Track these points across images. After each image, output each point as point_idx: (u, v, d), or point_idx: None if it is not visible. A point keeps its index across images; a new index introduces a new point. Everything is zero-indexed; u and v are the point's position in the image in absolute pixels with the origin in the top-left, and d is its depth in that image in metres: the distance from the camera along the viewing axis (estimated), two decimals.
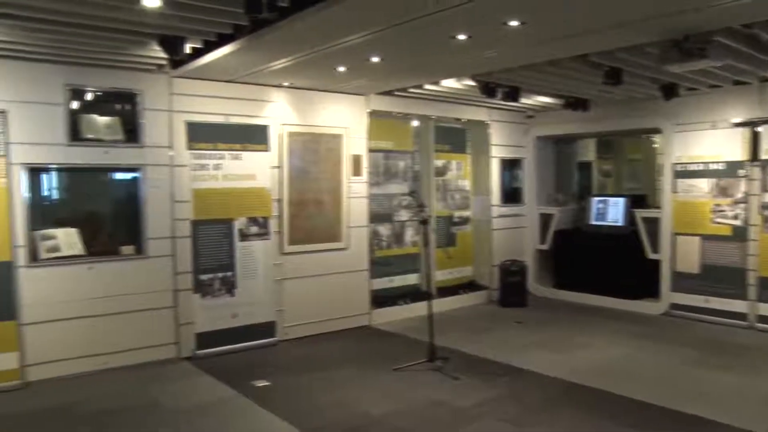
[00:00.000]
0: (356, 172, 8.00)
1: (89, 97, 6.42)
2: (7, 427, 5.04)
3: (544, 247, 10.08)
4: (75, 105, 6.26)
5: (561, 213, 10.03)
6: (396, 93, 8.00)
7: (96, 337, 6.27)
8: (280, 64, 6.07)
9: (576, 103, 8.75)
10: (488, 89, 7.39)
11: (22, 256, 5.94)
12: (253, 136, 7.07)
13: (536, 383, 5.90)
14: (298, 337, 7.44)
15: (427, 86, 7.62)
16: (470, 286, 9.84)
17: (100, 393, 5.74)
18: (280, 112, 7.35)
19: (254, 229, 7.08)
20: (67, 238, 6.22)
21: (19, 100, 5.91)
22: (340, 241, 7.88)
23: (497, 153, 9.84)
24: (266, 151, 7.17)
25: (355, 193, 8.01)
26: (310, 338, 7.47)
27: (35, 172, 6.10)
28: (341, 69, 6.37)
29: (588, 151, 11.50)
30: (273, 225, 7.26)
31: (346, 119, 7.88)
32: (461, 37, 5.13)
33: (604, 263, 9.32)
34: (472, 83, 7.37)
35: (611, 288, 9.19)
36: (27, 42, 5.42)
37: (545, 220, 10.08)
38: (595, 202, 9.86)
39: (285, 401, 5.45)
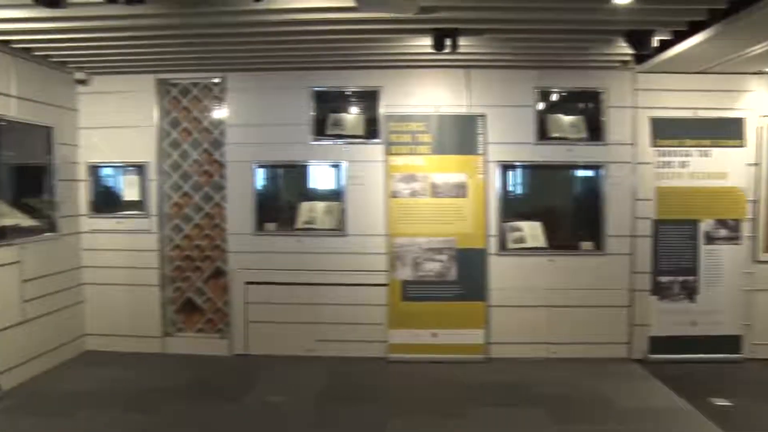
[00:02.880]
0: None
1: (555, 97, 6.76)
2: (476, 392, 5.69)
3: None
4: (542, 106, 6.63)
5: None
6: None
7: (550, 326, 6.59)
8: (762, 47, 5.41)
9: None
10: None
11: (493, 245, 6.58)
12: (725, 131, 6.44)
13: None
14: None
15: None
16: None
17: (551, 379, 5.99)
18: (758, 102, 6.53)
19: (723, 233, 6.48)
20: (532, 231, 6.65)
21: (495, 104, 6.54)
22: None
23: None
24: (741, 146, 6.47)
25: None
26: None
27: (505, 168, 6.66)
28: None
29: None
30: (746, 229, 6.53)
31: None
32: None
33: None
34: None
35: None
36: (503, 52, 5.98)
37: None
38: None
39: (750, 428, 4.88)
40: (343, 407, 5.33)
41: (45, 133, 6.32)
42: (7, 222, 5.82)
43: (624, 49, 5.61)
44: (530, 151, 6.55)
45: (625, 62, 6.29)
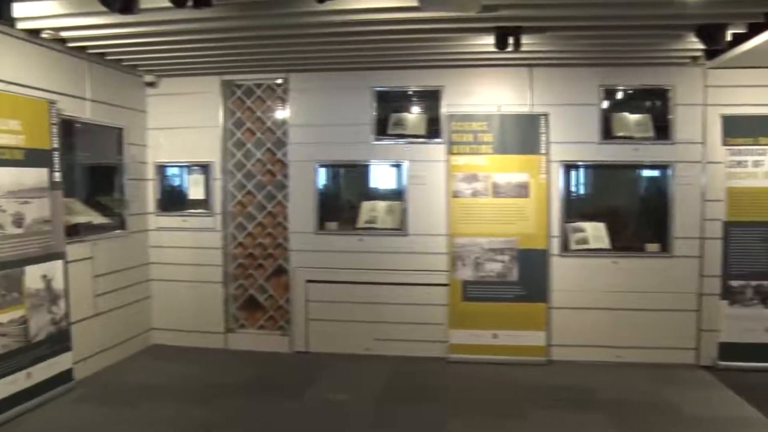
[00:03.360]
0: None
1: (620, 95, 6.60)
2: (537, 395, 5.61)
3: None
4: (606, 104, 6.49)
5: None
6: None
7: (613, 329, 6.42)
8: None
9: None
10: None
11: (555, 246, 6.48)
12: None
13: None
14: None
15: None
16: None
17: (614, 384, 5.84)
18: None
19: None
20: (595, 232, 6.51)
21: (558, 103, 6.45)
22: None
23: None
24: None
25: None
26: None
27: (568, 168, 6.54)
28: None
29: None
30: None
31: None
32: None
33: None
34: None
35: None
36: (567, 49, 5.88)
37: None
38: None
39: None
40: (402, 407, 5.34)
41: (116, 134, 6.56)
42: (81, 219, 6.05)
43: (694, 44, 5.39)
44: (594, 150, 6.42)
45: (694, 58, 6.07)
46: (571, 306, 6.45)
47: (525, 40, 5.26)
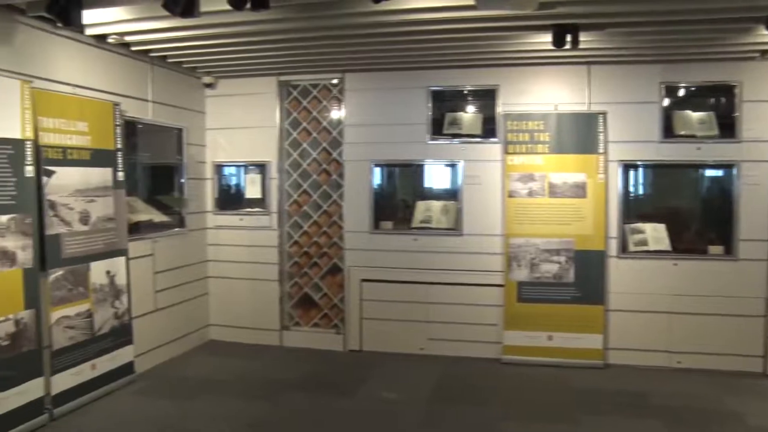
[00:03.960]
0: None
1: (682, 93, 6.41)
2: (592, 399, 5.48)
3: None
4: (667, 102, 6.31)
5: None
6: None
7: (674, 333, 6.24)
8: None
9: None
10: None
11: (613, 247, 6.34)
12: None
13: None
14: None
15: None
16: None
17: (673, 390, 5.66)
18: None
19: None
20: (655, 233, 6.34)
21: (617, 101, 6.30)
22: None
23: None
24: None
25: None
26: None
27: (627, 168, 6.39)
28: None
29: None
30: None
31: None
32: None
33: None
34: None
35: None
36: (626, 46, 5.72)
37: None
38: None
39: None
40: (454, 407, 5.30)
41: (176, 135, 6.74)
42: (143, 217, 6.23)
43: (764, 37, 5.15)
44: (654, 149, 6.24)
45: (764, 52, 5.83)
46: (629, 309, 6.30)
47: (583, 37, 5.13)
